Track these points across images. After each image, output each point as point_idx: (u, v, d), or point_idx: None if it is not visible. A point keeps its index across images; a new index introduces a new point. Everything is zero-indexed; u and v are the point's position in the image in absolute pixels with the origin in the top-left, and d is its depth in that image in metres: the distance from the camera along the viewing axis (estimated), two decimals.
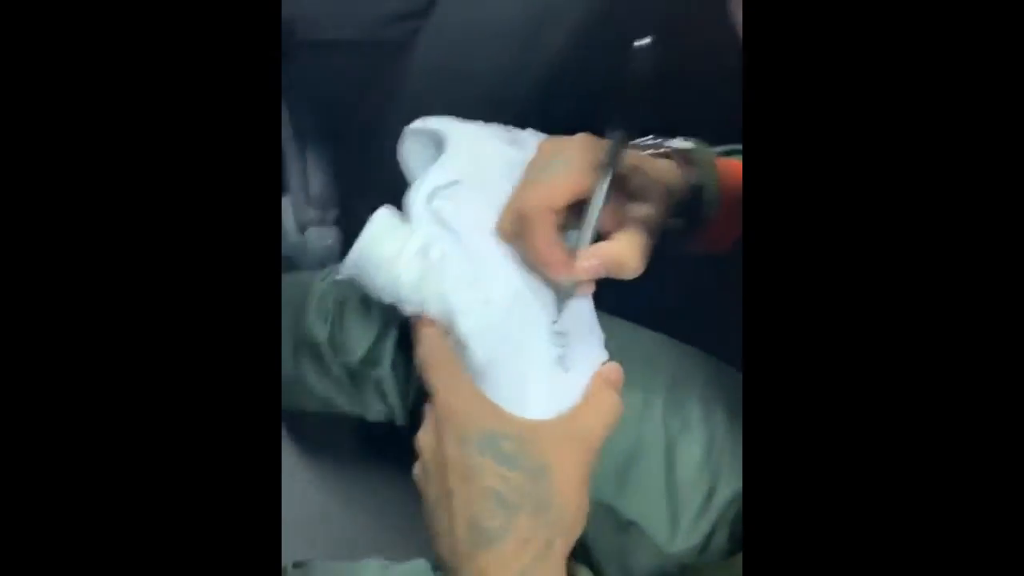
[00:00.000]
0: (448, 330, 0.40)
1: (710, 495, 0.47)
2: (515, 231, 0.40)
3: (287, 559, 0.49)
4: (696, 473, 0.47)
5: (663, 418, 0.48)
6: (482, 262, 0.41)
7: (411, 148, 0.47)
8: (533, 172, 0.41)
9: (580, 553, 0.49)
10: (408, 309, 0.42)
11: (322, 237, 0.79)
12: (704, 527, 0.47)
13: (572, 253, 0.40)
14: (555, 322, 0.40)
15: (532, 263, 0.40)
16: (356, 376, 0.54)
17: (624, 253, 0.39)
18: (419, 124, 0.46)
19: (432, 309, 0.41)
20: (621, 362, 0.51)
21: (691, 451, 0.48)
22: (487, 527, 0.35)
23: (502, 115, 0.48)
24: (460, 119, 0.46)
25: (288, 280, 0.60)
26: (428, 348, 0.40)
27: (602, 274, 0.40)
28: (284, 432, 1.02)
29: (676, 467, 0.47)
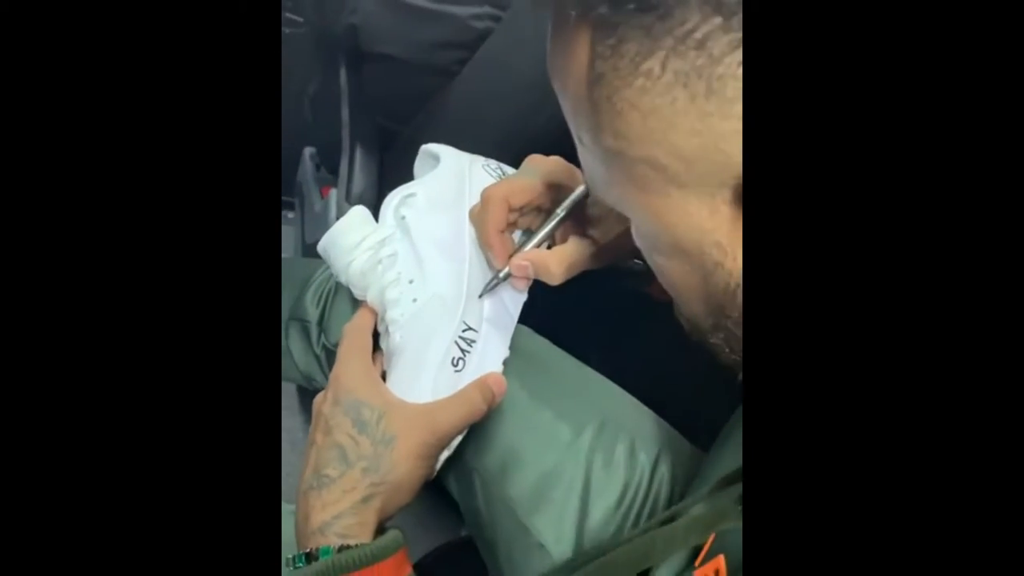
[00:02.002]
0: (381, 316, 0.48)
1: (613, 541, 0.49)
2: (478, 215, 0.47)
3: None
4: (607, 515, 0.49)
5: (588, 452, 0.51)
6: (423, 267, 0.47)
7: (419, 164, 0.55)
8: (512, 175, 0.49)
9: (488, 553, 0.53)
10: (355, 292, 0.50)
11: None
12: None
13: (513, 247, 0.47)
14: (466, 330, 0.46)
15: (480, 241, 0.47)
16: (333, 357, 0.60)
17: (550, 262, 0.45)
18: (428, 147, 0.54)
19: (371, 296, 0.48)
20: (560, 393, 0.54)
21: (608, 493, 0.50)
22: (325, 474, 0.41)
23: (520, 152, 0.53)
24: (461, 151, 0.53)
25: (300, 261, 0.67)
26: (352, 324, 0.48)
27: (530, 274, 0.46)
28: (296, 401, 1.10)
29: (589, 505, 0.50)
